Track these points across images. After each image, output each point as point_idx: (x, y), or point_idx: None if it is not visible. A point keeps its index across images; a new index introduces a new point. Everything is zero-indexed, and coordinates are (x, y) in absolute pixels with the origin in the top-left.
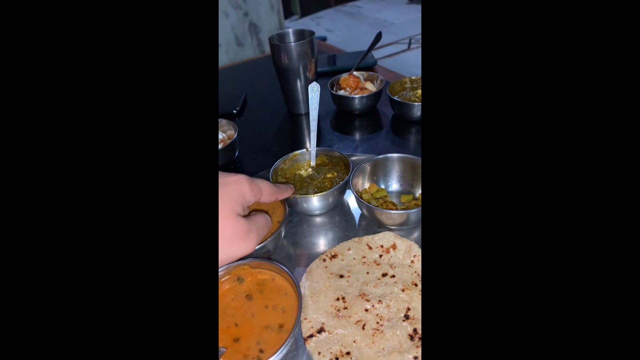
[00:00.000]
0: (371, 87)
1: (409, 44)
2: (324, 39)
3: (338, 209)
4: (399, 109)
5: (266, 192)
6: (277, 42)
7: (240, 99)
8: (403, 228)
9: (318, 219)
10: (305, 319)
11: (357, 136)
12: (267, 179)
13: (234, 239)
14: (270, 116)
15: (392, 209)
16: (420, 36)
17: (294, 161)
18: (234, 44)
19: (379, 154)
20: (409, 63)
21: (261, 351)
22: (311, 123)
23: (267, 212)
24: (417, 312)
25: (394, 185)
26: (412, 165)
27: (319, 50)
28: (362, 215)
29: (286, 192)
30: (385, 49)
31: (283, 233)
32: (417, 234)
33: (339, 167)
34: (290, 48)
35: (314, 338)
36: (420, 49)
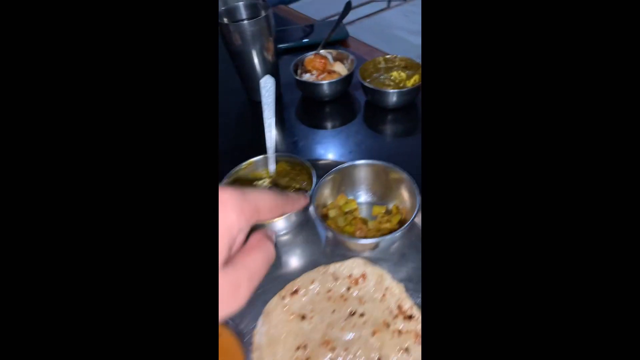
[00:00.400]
0: (341, 69)
1: (389, 1)
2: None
3: (302, 226)
4: (372, 96)
5: (266, 208)
6: (227, 21)
7: None
8: (374, 252)
9: (278, 240)
10: None
11: (327, 128)
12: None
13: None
14: (227, 106)
15: (362, 229)
16: None
17: (251, 169)
18: None
19: (351, 152)
20: (389, 24)
21: None
22: (265, 124)
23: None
24: None
25: (364, 197)
26: (383, 173)
27: (282, 17)
28: (326, 237)
29: (297, 203)
30: (362, 8)
31: None
32: (391, 258)
33: (302, 177)
34: (243, 28)
35: None
36: (401, 7)
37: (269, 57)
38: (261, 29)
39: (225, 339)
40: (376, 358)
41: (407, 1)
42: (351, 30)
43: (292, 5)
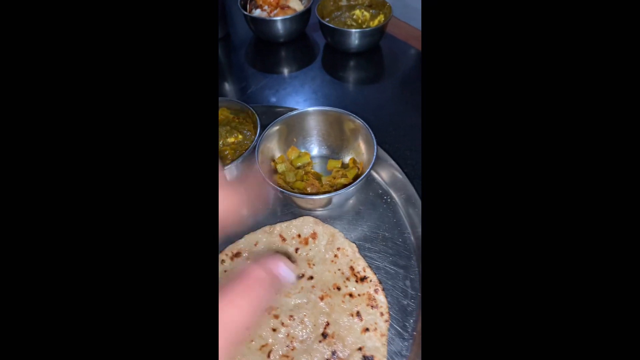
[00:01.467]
0: (297, 5)
1: None
2: None
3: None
4: (331, 36)
5: (227, 223)
6: None
7: None
8: (327, 209)
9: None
10: None
11: (282, 73)
12: None
13: None
14: None
15: (314, 184)
16: None
17: None
18: None
19: (307, 100)
20: None
21: None
22: None
23: None
24: (337, 327)
25: (317, 149)
26: (338, 121)
27: None
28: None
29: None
30: None
31: None
32: (345, 216)
33: (245, 126)
34: None
35: None
36: None
37: None
38: None
39: None
40: (324, 322)
41: None
42: None
43: None
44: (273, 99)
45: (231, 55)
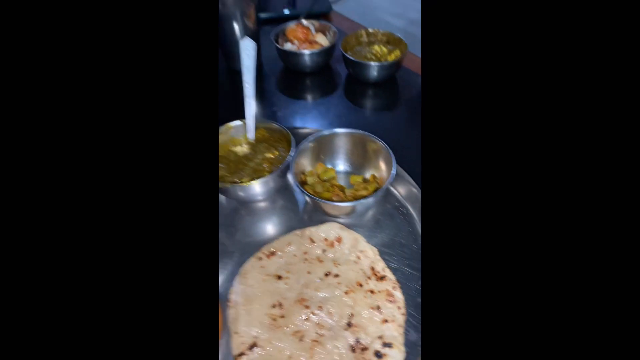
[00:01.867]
0: (323, 41)
1: None
2: None
3: (280, 192)
4: (353, 68)
5: None
6: None
7: None
8: (351, 217)
9: (256, 206)
10: (237, 333)
11: (307, 99)
12: None
13: None
14: None
15: (339, 195)
16: None
17: (229, 134)
18: None
19: (331, 123)
20: (373, 6)
21: None
22: (245, 89)
23: None
24: (360, 318)
25: (342, 165)
26: (362, 143)
27: None
28: (305, 203)
29: None
30: None
31: None
32: (367, 224)
33: (280, 144)
34: None
35: (244, 357)
36: None
37: (250, 24)
38: None
39: None
40: (349, 314)
41: None
42: (334, 9)
43: None
44: (300, 122)
45: (263, 82)
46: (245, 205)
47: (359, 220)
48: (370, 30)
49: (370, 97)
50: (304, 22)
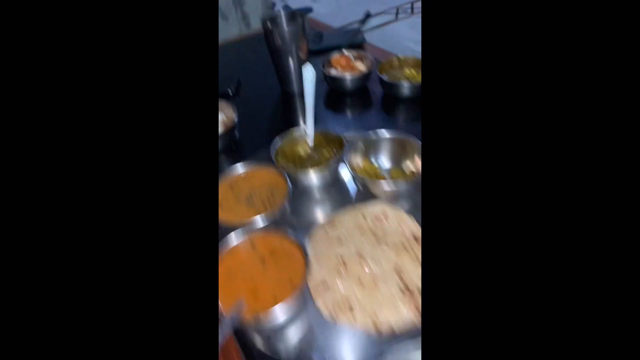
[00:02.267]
0: (361, 67)
1: (397, 14)
2: (309, 10)
3: (334, 184)
4: (388, 88)
5: None
6: (271, 27)
7: (236, 79)
8: (393, 198)
9: (317, 192)
10: (311, 277)
11: (349, 114)
12: (268, 157)
13: None
14: (264, 95)
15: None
16: (407, 6)
17: (292, 140)
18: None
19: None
20: (397, 35)
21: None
22: (307, 108)
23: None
24: (406, 271)
25: (385, 163)
26: (402, 144)
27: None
28: (356, 190)
29: None
30: (372, 20)
31: (287, 206)
32: (406, 205)
33: (335, 146)
34: (284, 31)
35: (320, 293)
36: (407, 20)
37: (302, 55)
38: (297, 32)
39: (294, 247)
40: (398, 267)
41: (413, 14)
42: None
43: (310, 15)
44: (345, 133)
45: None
46: (308, 192)
47: (400, 203)
48: (401, 56)
49: (403, 111)
50: (345, 52)
